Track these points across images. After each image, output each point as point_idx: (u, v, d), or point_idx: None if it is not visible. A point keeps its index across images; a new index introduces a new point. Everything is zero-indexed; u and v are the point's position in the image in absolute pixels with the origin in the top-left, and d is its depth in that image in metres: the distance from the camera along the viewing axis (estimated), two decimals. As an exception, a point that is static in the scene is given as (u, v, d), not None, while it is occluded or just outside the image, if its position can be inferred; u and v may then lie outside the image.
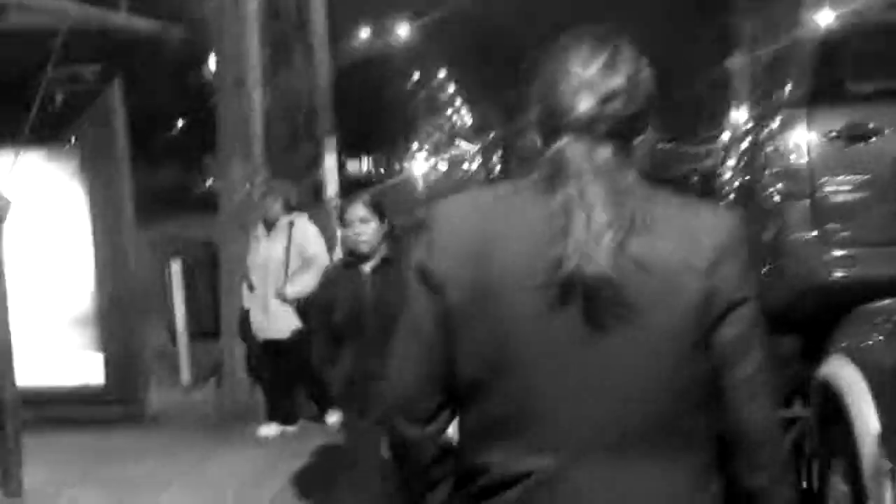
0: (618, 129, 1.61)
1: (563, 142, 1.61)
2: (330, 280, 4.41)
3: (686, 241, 1.59)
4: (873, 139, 4.99)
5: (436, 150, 31.32)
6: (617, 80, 1.61)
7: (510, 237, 1.60)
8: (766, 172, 5.48)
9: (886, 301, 4.02)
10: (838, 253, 5.00)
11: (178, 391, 8.32)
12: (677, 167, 16.56)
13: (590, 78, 1.61)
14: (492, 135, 36.65)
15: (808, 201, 5.06)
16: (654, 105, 1.65)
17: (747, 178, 6.15)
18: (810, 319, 5.15)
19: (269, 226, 6.84)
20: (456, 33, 29.45)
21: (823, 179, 5.04)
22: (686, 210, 1.64)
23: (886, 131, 4.97)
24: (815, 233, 5.04)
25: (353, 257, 4.25)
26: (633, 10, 19.71)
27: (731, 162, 7.02)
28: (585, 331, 1.56)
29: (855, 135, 5.01)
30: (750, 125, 6.77)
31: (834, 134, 5.05)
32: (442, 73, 41.75)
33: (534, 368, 1.57)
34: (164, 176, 29.31)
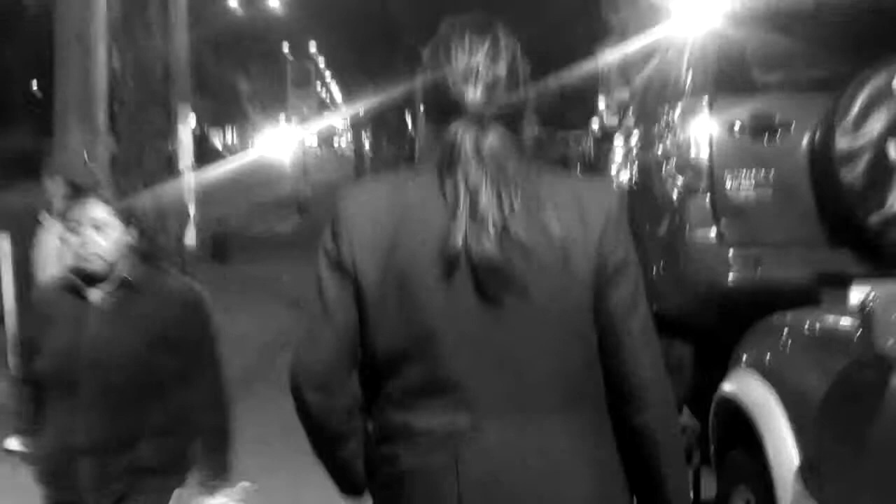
0: (503, 113, 1.76)
1: (453, 128, 1.74)
2: (40, 308, 2.98)
3: (573, 218, 1.75)
4: (780, 132, 4.64)
5: (304, 124, 30.53)
6: (500, 67, 1.76)
7: (413, 222, 1.75)
8: (664, 165, 5.09)
9: (805, 309, 3.65)
10: (739, 253, 4.63)
11: (6, 379, 7.51)
12: (551, 151, 17.48)
13: (476, 66, 1.75)
14: (361, 111, 36.09)
15: (708, 197, 4.68)
16: (534, 89, 1.79)
17: (640, 170, 5.76)
18: (706, 324, 4.79)
19: (51, 212, 5.78)
20: (326, 6, 28.66)
21: (726, 174, 4.66)
22: (570, 188, 1.79)
23: (794, 124, 4.62)
24: (714, 231, 4.67)
25: (78, 277, 2.92)
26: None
27: (619, 154, 6.64)
28: (483, 306, 1.73)
29: (761, 127, 4.65)
30: (638, 115, 6.39)
31: (738, 126, 4.68)
32: (312, 46, 40.89)
33: (443, 341, 1.74)
34: (16, 139, 27.50)
